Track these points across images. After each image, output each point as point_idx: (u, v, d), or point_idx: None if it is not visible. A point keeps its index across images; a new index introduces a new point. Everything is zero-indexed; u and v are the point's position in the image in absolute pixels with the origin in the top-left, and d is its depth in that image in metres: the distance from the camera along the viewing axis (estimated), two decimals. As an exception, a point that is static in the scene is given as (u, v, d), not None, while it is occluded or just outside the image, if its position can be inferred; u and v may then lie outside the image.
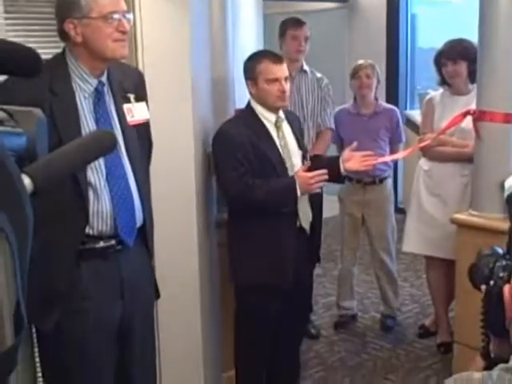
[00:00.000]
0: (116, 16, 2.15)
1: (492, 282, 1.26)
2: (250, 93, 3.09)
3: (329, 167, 3.05)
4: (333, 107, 4.24)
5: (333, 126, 4.20)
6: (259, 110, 3.05)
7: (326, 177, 2.91)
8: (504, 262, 1.26)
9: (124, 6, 2.20)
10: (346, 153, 3.10)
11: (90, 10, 2.12)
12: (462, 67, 3.78)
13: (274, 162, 2.99)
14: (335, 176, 3.11)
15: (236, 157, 2.94)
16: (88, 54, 2.17)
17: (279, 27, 4.28)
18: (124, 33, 2.19)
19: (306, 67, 4.22)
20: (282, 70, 3.02)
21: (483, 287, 1.28)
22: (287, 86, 3.02)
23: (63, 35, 2.18)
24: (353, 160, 3.07)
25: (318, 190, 3.05)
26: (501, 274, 1.24)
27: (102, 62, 2.21)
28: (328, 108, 4.18)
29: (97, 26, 2.13)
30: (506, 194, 1.53)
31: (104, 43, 2.15)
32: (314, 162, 3.15)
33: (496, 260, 1.28)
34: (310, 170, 3.01)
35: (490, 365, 1.19)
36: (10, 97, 1.90)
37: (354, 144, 3.11)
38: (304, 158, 3.11)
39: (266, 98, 3.01)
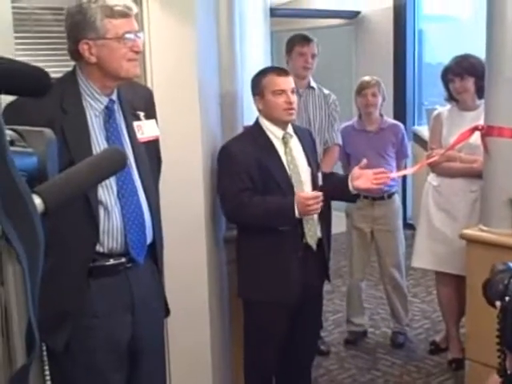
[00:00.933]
0: (130, 36, 2.17)
1: (507, 298, 1.25)
2: (258, 109, 3.10)
3: (340, 186, 3.06)
4: (340, 123, 4.24)
5: (340, 142, 4.20)
6: (267, 125, 3.05)
7: (322, 198, 2.87)
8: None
9: (136, 26, 2.22)
10: (356, 170, 3.05)
11: (106, 31, 2.13)
12: (470, 83, 3.78)
13: (277, 178, 2.97)
14: (346, 195, 3.10)
15: (237, 173, 2.95)
16: (101, 73, 2.18)
17: (286, 43, 4.29)
18: (138, 52, 2.21)
19: (313, 84, 4.23)
20: (288, 81, 3.03)
21: (498, 303, 1.26)
22: (294, 98, 3.02)
23: (75, 55, 2.19)
24: (363, 178, 3.01)
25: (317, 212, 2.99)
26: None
27: (115, 81, 2.22)
28: (335, 124, 4.18)
29: (112, 46, 2.15)
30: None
31: (119, 63, 2.17)
32: (326, 180, 3.15)
33: (511, 276, 1.27)
34: (321, 188, 3.04)
35: (506, 382, 1.18)
36: (22, 116, 1.91)
37: (364, 161, 3.05)
38: (313, 174, 3.09)
39: (272, 110, 3.01)
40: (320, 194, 2.88)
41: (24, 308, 1.09)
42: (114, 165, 1.08)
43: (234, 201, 2.96)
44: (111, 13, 2.13)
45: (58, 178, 1.02)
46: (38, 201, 0.96)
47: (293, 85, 3.05)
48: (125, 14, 2.16)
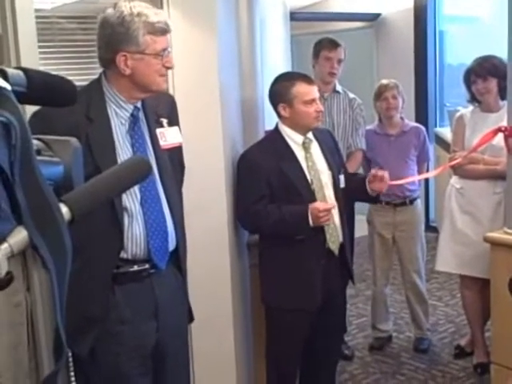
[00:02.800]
0: (165, 52, 2.21)
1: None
2: (280, 115, 3.09)
3: (361, 187, 3.09)
4: (365, 128, 4.23)
5: (364, 147, 4.18)
6: (287, 132, 3.06)
7: (334, 208, 2.92)
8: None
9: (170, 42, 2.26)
10: (370, 177, 3.08)
11: (147, 46, 2.17)
12: (492, 84, 3.75)
13: (297, 185, 2.98)
14: (366, 196, 3.13)
15: (256, 180, 2.97)
16: (131, 85, 2.21)
17: (313, 47, 4.26)
18: (170, 68, 2.26)
19: (338, 88, 4.22)
20: (316, 90, 3.06)
21: None
22: (321, 106, 3.08)
23: (108, 64, 2.22)
24: (378, 181, 3.06)
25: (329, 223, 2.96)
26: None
27: (144, 93, 2.25)
28: (360, 129, 4.17)
29: (149, 61, 2.18)
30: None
31: (153, 78, 2.21)
32: (349, 181, 3.16)
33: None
34: (344, 191, 3.08)
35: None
36: (48, 124, 1.95)
37: (380, 171, 3.10)
38: (334, 177, 3.08)
39: (302, 119, 3.02)
40: (332, 205, 2.91)
41: (50, 315, 1.10)
42: (138, 174, 1.09)
43: (249, 210, 2.99)
44: (153, 29, 2.17)
45: (84, 186, 1.04)
46: (64, 209, 0.98)
47: (318, 93, 3.09)
48: (164, 32, 2.21)
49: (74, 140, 1.08)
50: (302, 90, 3.01)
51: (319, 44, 4.24)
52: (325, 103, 4.05)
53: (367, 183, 3.08)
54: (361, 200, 3.44)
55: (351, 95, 4.24)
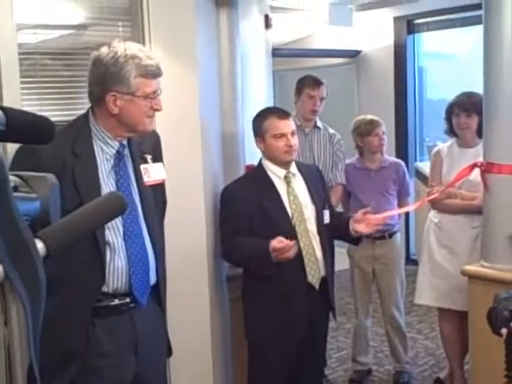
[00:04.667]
0: (155, 95, 2.24)
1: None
2: (259, 149, 3.15)
3: (343, 227, 3.08)
4: (344, 163, 4.28)
5: (344, 182, 4.23)
6: (268, 166, 3.10)
7: (292, 246, 2.82)
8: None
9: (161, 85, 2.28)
10: (359, 215, 3.07)
11: (137, 88, 2.20)
12: (474, 120, 3.78)
13: (276, 218, 2.99)
14: (348, 237, 3.13)
15: (236, 214, 3.00)
16: (118, 124, 2.24)
17: (296, 84, 4.31)
18: (158, 111, 2.29)
19: (319, 123, 4.28)
20: (288, 125, 3.07)
21: (504, 330, 1.27)
22: (294, 141, 3.06)
23: (96, 100, 2.24)
24: (364, 223, 3.03)
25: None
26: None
27: (129, 132, 2.28)
28: (340, 163, 4.22)
29: (138, 103, 2.22)
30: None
31: (140, 119, 2.24)
32: (334, 219, 3.17)
33: (514, 302, 1.29)
34: (328, 226, 3.10)
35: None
36: (34, 158, 1.98)
37: (368, 208, 3.09)
38: (317, 211, 3.09)
39: (273, 153, 3.06)
40: (287, 243, 2.81)
41: (26, 349, 1.11)
42: (113, 209, 1.12)
43: (228, 242, 3.02)
44: (145, 72, 2.20)
45: (59, 222, 1.06)
46: (40, 245, 1.00)
47: (293, 127, 3.10)
48: (156, 75, 2.24)
49: (51, 176, 1.11)
50: (272, 124, 3.06)
51: (302, 81, 4.29)
52: (306, 138, 4.11)
53: (351, 223, 3.06)
54: (341, 239, 3.38)
55: (331, 131, 4.30)
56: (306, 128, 4.16)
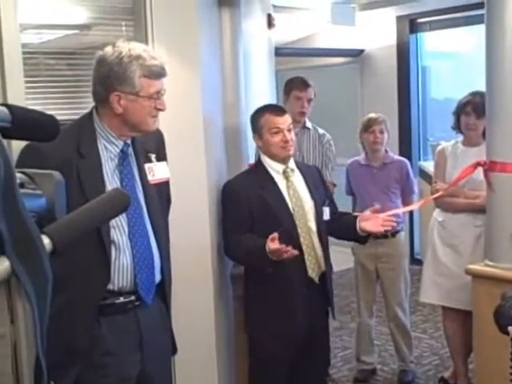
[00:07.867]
0: (159, 95, 2.25)
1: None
2: (258, 146, 3.20)
3: (350, 226, 3.07)
4: (335, 162, 4.28)
5: (334, 181, 4.24)
6: (267, 161, 3.12)
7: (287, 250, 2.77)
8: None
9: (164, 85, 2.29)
10: (366, 213, 3.08)
11: (141, 88, 2.21)
12: (482, 123, 3.70)
13: (277, 212, 3.01)
14: (355, 235, 3.11)
15: (237, 209, 3.02)
16: (122, 123, 2.25)
17: (284, 85, 4.34)
18: (162, 110, 2.29)
19: (308, 124, 4.29)
20: (284, 120, 3.10)
21: (511, 329, 1.27)
22: (290, 136, 3.08)
23: (100, 99, 2.25)
24: (371, 221, 3.02)
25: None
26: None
27: (133, 132, 2.29)
28: (329, 164, 4.24)
29: (142, 103, 2.22)
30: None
31: (144, 119, 2.25)
32: (339, 218, 3.18)
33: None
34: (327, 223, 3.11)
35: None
36: (39, 156, 1.98)
37: (376, 206, 3.08)
38: (316, 207, 3.09)
39: (270, 148, 3.09)
40: (285, 248, 2.75)
41: (32, 345, 1.12)
42: (117, 206, 1.12)
43: (229, 239, 3.05)
44: (149, 73, 2.21)
45: (65, 218, 1.06)
46: (46, 241, 1.01)
47: (289, 122, 3.12)
48: (160, 76, 2.25)
49: (56, 173, 1.11)
50: (268, 120, 3.09)
51: (290, 83, 4.31)
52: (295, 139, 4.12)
53: (358, 222, 3.05)
54: (346, 239, 3.38)
55: (321, 131, 4.31)
56: (295, 129, 4.16)
